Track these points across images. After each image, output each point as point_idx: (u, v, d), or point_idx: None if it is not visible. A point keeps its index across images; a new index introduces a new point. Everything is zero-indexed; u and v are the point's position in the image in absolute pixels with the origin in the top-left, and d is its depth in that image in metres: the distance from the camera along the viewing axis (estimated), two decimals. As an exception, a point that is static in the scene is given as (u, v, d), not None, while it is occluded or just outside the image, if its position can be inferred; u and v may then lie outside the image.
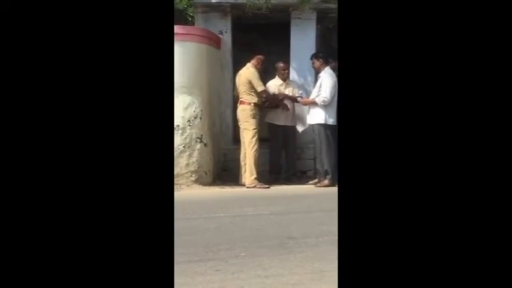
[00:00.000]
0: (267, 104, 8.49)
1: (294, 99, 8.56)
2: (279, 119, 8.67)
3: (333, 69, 8.28)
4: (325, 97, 8.08)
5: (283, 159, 8.82)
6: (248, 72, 8.25)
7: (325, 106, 8.13)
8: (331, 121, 8.16)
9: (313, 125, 8.33)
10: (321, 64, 8.34)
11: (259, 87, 8.14)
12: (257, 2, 8.39)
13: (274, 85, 8.66)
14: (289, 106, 8.59)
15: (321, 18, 9.28)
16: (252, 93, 8.24)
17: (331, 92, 8.09)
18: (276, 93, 8.61)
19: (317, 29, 9.26)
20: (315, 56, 8.53)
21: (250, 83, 8.20)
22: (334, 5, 9.01)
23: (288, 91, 8.69)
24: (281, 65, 8.63)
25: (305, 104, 8.43)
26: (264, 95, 8.27)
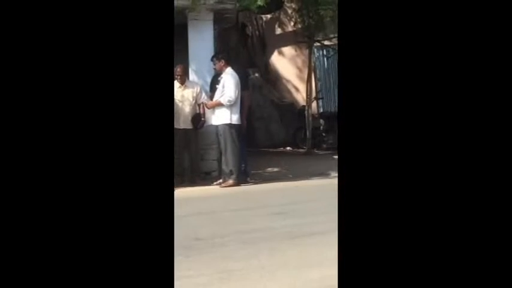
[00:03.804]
0: None
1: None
2: (178, 122, 8.63)
3: (234, 69, 8.37)
4: (230, 97, 8.15)
5: (186, 161, 8.79)
6: None
7: (230, 106, 8.19)
8: (235, 120, 8.24)
9: (217, 125, 8.35)
10: (223, 65, 8.38)
11: None
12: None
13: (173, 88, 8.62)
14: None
15: (218, 19, 9.33)
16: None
17: (235, 92, 8.16)
18: (174, 96, 8.57)
19: (214, 29, 9.30)
20: (216, 57, 8.55)
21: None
22: (230, 6, 9.10)
23: (187, 93, 8.66)
24: (178, 69, 8.58)
25: (212, 107, 8.43)
26: None
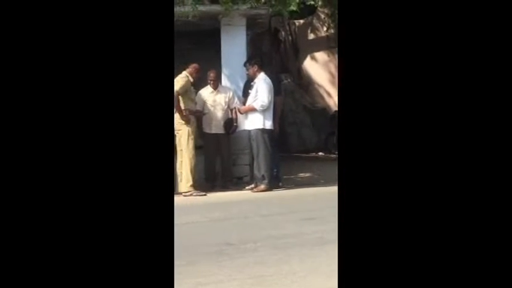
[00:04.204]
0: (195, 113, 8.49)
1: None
2: (210, 127, 8.68)
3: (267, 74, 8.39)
4: (263, 102, 8.17)
5: (218, 166, 8.82)
6: (177, 79, 8.21)
7: (263, 111, 8.21)
8: (268, 125, 8.26)
9: (249, 130, 8.38)
10: (256, 70, 8.40)
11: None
12: (184, 10, 8.36)
13: (206, 93, 8.66)
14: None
15: (251, 24, 9.35)
16: (187, 101, 8.21)
17: (268, 97, 8.18)
18: (207, 101, 8.62)
19: (247, 34, 9.32)
20: (249, 62, 8.59)
21: (186, 91, 8.18)
22: (263, 11, 9.12)
23: (219, 98, 8.70)
24: (211, 74, 8.63)
25: (245, 112, 8.46)
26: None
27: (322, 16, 12.86)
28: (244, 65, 8.64)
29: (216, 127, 8.68)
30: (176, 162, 8.23)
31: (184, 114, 8.13)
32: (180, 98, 8.12)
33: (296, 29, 13.70)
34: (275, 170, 8.55)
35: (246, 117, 8.44)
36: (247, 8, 8.88)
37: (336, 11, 10.89)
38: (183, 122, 8.12)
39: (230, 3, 8.48)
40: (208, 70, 8.65)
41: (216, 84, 8.70)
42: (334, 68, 13.11)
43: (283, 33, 13.68)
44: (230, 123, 8.69)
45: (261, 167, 8.19)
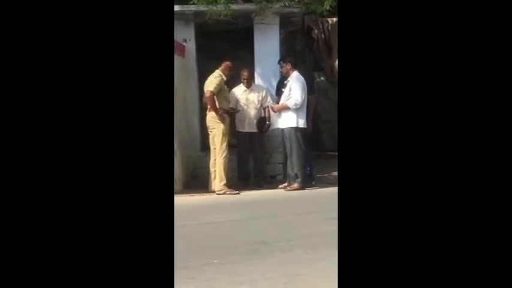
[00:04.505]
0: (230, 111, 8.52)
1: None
2: (243, 125, 8.71)
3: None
4: (296, 100, 8.16)
5: (251, 164, 8.84)
6: (211, 79, 8.26)
7: (296, 109, 8.20)
8: (301, 124, 8.25)
9: (283, 128, 8.38)
10: (290, 68, 8.40)
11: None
12: (217, 8, 8.40)
13: (239, 92, 8.69)
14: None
15: (284, 22, 9.34)
16: (221, 100, 8.26)
17: (302, 95, 8.18)
18: (240, 100, 8.65)
19: (280, 33, 9.32)
20: (283, 60, 8.60)
21: (220, 90, 8.23)
22: (296, 10, 9.09)
23: (252, 97, 8.73)
24: (244, 73, 8.65)
25: (278, 110, 8.47)
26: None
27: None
28: (279, 62, 8.66)
29: (249, 126, 8.70)
30: (209, 161, 8.29)
31: (220, 113, 8.18)
32: (215, 97, 8.17)
33: (329, 27, 13.60)
34: (308, 169, 8.53)
35: (280, 116, 8.44)
36: (281, 6, 8.87)
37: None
38: (218, 120, 8.16)
39: (264, 2, 8.48)
40: (242, 69, 8.68)
41: (249, 82, 8.72)
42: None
43: (316, 31, 13.62)
44: (263, 122, 8.70)
45: (294, 166, 8.18)
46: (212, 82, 8.14)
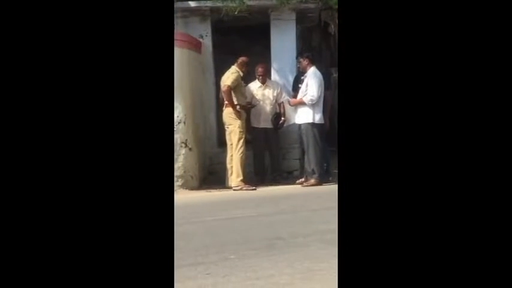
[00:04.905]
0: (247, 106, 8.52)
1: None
2: (258, 121, 8.70)
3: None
4: (312, 95, 8.14)
5: (267, 160, 8.84)
6: (228, 74, 8.27)
7: (312, 105, 8.19)
8: (318, 119, 8.23)
9: (300, 124, 8.36)
10: (307, 64, 8.39)
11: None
12: (232, 4, 8.40)
13: (254, 87, 8.69)
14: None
15: (301, 18, 9.32)
16: (238, 96, 8.26)
17: (318, 91, 8.15)
18: (255, 95, 8.64)
19: (297, 29, 9.30)
20: (301, 56, 8.59)
21: (237, 85, 8.23)
22: (313, 5, 9.07)
23: (268, 93, 8.72)
24: (259, 69, 8.65)
25: (294, 104, 8.47)
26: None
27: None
28: (297, 58, 8.65)
29: (264, 121, 8.70)
30: (226, 157, 8.30)
31: (237, 108, 8.18)
32: (232, 92, 8.17)
33: (346, 23, 13.58)
34: (325, 165, 8.52)
35: (296, 112, 8.44)
36: (297, 2, 8.86)
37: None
38: (234, 116, 8.17)
39: (280, -2, 8.49)
40: (258, 65, 8.67)
41: (265, 78, 8.72)
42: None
43: (333, 27, 13.57)
44: (278, 118, 8.69)
45: (311, 161, 8.17)
46: (229, 77, 8.15)
